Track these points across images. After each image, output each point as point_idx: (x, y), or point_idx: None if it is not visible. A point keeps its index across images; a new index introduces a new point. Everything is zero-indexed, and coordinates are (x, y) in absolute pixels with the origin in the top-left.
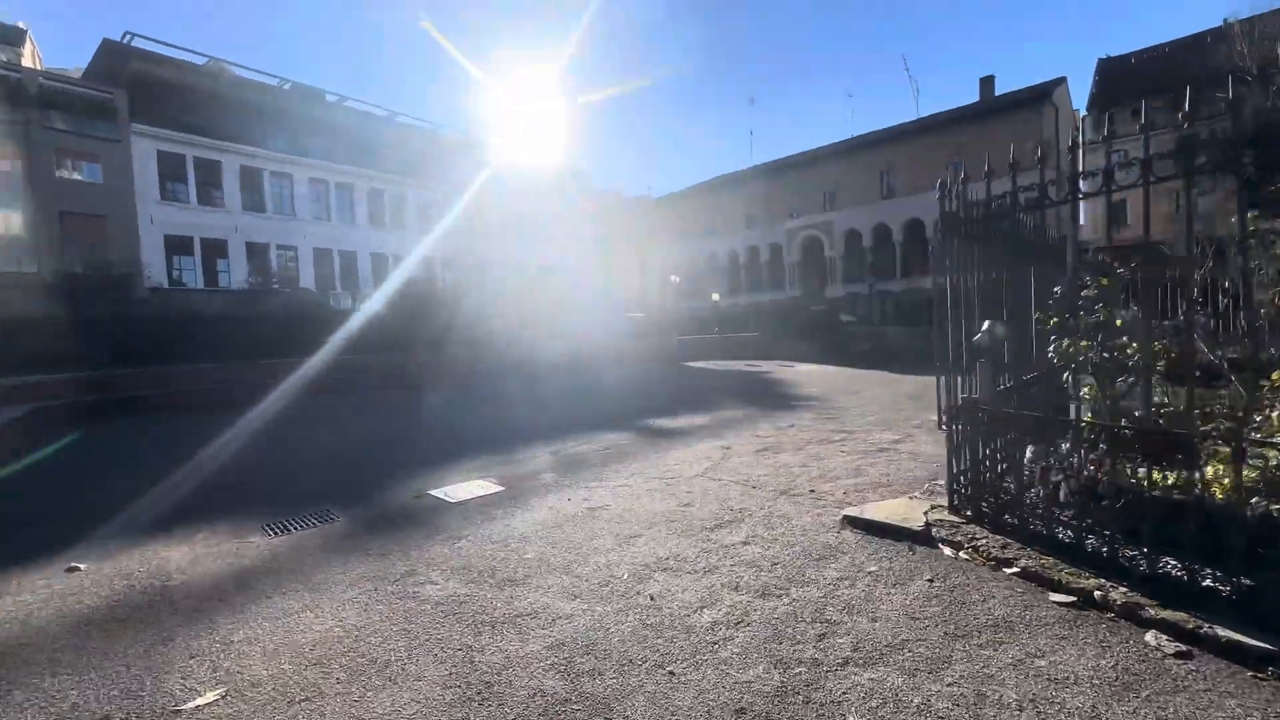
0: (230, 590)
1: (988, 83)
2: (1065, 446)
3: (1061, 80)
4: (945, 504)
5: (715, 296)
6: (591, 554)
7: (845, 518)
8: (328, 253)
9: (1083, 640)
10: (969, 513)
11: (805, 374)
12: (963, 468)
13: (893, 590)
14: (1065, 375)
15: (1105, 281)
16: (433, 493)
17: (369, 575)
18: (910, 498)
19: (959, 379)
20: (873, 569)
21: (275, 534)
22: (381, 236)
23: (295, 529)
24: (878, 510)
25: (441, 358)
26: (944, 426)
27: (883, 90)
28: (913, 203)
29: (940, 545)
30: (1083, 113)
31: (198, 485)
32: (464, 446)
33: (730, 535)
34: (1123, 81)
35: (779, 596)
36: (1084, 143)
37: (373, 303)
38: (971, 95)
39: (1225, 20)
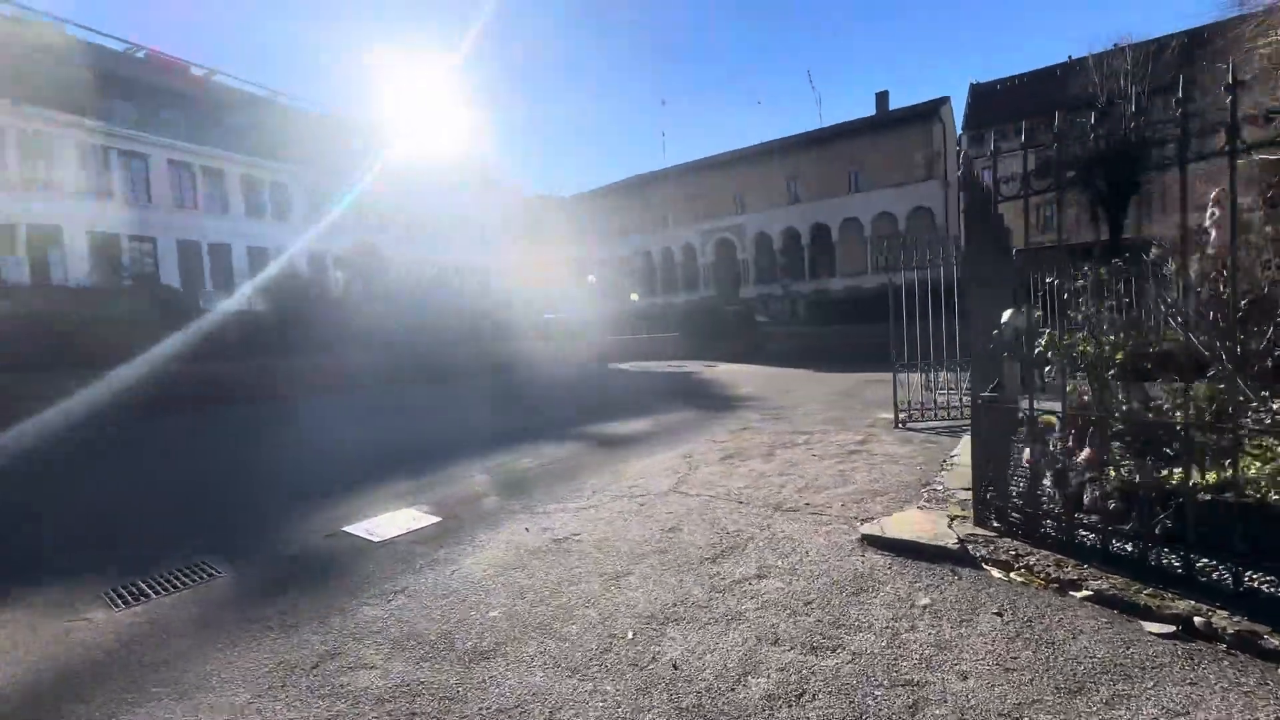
0: (51, 703)
1: (883, 97)
2: (1094, 447)
3: (946, 99)
4: (962, 514)
5: (634, 297)
6: (577, 605)
7: (864, 537)
8: (194, 245)
9: (1217, 686)
10: (997, 524)
11: (731, 373)
12: (983, 473)
13: (963, 631)
14: (1049, 369)
15: (1103, 273)
16: (350, 529)
17: (272, 662)
18: (919, 507)
19: (977, 375)
20: (925, 602)
21: (126, 603)
22: (262, 229)
23: (157, 593)
24: (897, 527)
25: (337, 362)
26: (900, 425)
27: (787, 98)
28: (818, 208)
29: (985, 566)
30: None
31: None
32: (379, 467)
33: (738, 566)
34: (991, 105)
35: (834, 650)
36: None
37: (252, 302)
38: (868, 106)
39: (1070, 57)
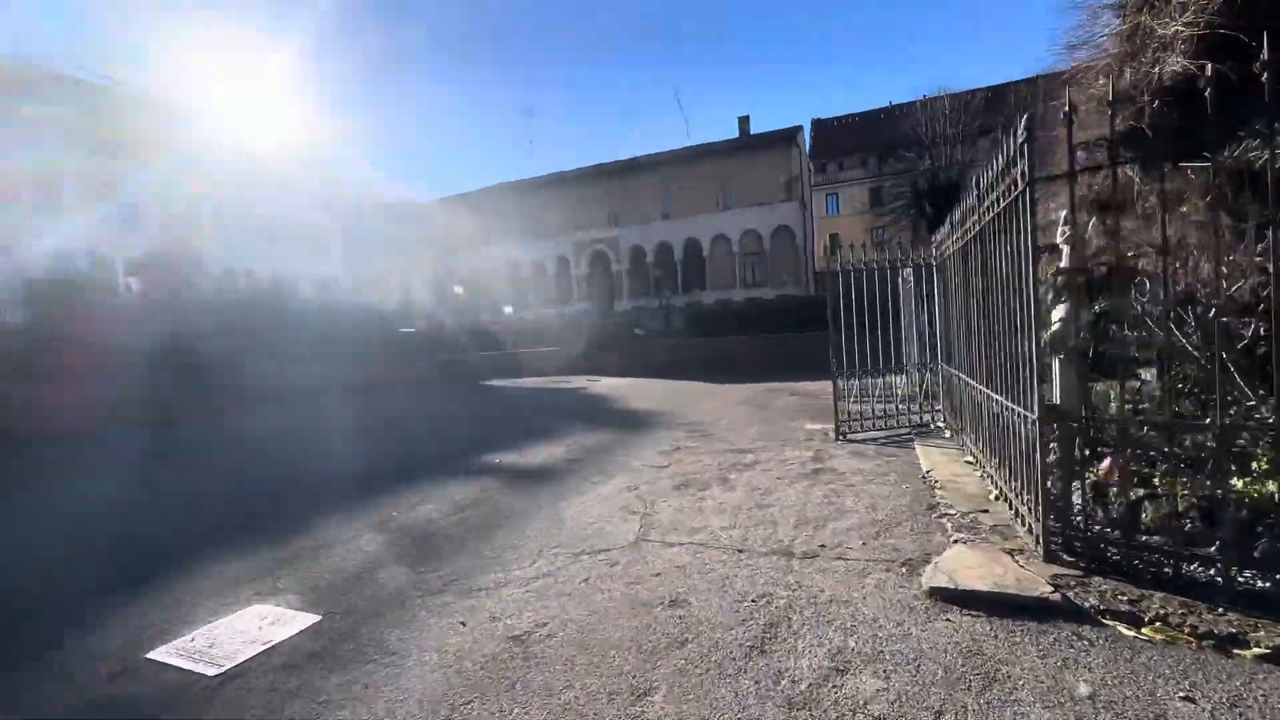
0: None
1: (745, 121)
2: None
3: (800, 127)
4: (1010, 546)
5: (508, 309)
6: None
7: (933, 590)
8: None
9: None
10: (1069, 558)
11: (623, 388)
12: (1050, 499)
13: None
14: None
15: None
16: (163, 654)
17: None
18: (956, 541)
19: (1025, 386)
20: (1085, 692)
21: None
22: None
23: None
24: (965, 573)
25: (130, 387)
26: (840, 437)
27: (655, 115)
28: (690, 224)
29: (1106, 620)
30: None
31: None
32: (209, 531)
33: (799, 657)
34: (831, 139)
35: None
36: (812, 184)
37: None
38: (731, 127)
39: (890, 103)
